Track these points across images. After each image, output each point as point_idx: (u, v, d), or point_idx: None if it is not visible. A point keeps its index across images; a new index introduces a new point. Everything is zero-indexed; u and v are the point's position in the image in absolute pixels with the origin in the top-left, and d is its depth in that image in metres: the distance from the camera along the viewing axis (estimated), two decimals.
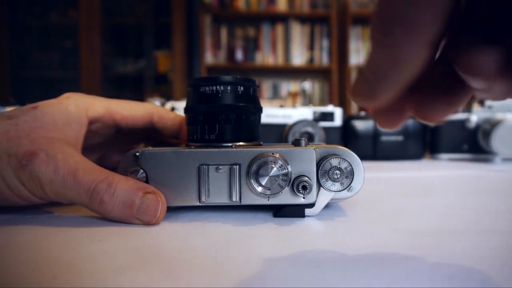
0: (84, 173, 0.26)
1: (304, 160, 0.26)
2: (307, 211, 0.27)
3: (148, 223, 0.26)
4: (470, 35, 0.15)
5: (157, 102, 0.83)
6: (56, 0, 2.57)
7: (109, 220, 0.27)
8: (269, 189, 0.26)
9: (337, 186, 0.26)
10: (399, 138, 0.70)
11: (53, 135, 0.28)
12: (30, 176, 0.25)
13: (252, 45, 2.65)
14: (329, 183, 0.26)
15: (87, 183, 0.26)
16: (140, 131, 0.35)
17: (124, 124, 0.33)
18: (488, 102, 0.66)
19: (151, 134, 0.37)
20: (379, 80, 0.15)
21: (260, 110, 0.31)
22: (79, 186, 0.26)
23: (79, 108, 0.30)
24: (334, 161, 0.26)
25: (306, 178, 0.26)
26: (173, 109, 0.68)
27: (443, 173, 0.55)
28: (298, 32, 2.66)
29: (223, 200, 0.27)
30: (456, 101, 0.17)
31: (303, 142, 0.27)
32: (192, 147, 0.29)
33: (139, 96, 2.53)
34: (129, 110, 0.33)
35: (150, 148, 0.28)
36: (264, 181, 0.26)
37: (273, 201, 0.26)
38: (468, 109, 0.69)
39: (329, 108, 0.71)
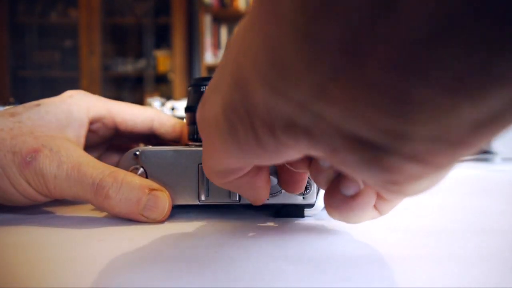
0: (89, 167, 0.26)
1: None
2: (307, 211, 0.27)
3: (154, 220, 0.26)
4: None
5: (157, 102, 0.83)
6: (56, 0, 2.57)
7: (109, 220, 0.27)
8: None
9: None
10: None
11: (56, 134, 0.28)
12: (35, 172, 0.25)
13: None
14: None
15: (91, 176, 0.25)
16: (139, 135, 0.35)
17: (123, 127, 0.33)
18: None
19: (150, 138, 0.37)
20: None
21: None
22: (83, 180, 0.25)
23: (81, 107, 0.30)
24: None
25: None
26: (173, 109, 0.68)
27: None
28: None
29: (223, 199, 0.27)
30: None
31: None
32: (192, 146, 0.29)
33: (139, 96, 2.53)
34: (130, 114, 0.33)
35: (150, 146, 0.28)
36: None
37: (273, 201, 0.26)
38: None
39: None
